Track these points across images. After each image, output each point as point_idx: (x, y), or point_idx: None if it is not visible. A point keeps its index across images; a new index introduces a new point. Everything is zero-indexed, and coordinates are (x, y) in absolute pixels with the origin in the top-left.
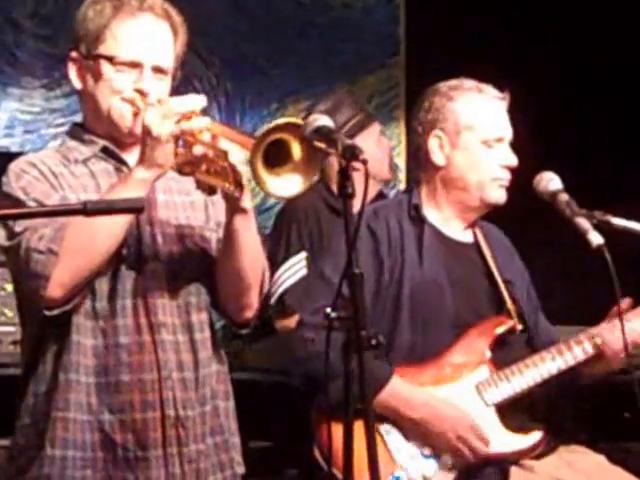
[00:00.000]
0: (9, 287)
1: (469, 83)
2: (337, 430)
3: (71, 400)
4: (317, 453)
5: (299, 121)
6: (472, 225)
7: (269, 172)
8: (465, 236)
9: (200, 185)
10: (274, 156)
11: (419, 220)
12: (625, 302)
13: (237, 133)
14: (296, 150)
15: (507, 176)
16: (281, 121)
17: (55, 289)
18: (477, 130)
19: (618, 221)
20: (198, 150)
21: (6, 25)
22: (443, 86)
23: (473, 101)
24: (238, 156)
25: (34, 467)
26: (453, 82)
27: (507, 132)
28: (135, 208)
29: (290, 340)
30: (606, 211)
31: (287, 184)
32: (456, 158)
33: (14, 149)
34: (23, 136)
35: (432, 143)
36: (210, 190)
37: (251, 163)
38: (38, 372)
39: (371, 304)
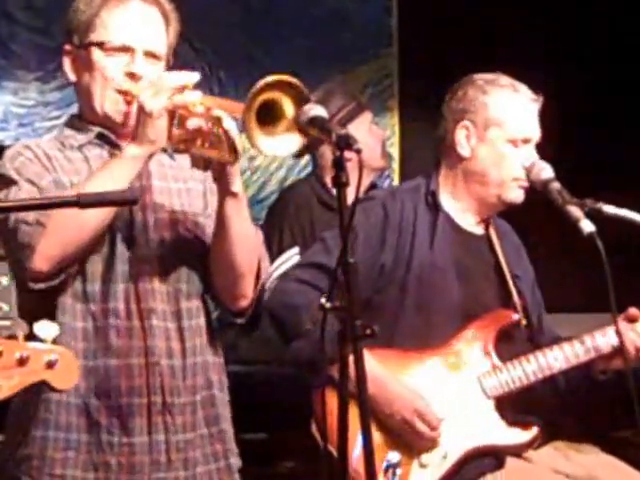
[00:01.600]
0: (4, 281)
1: (505, 80)
2: (333, 409)
3: None
4: (314, 428)
5: (289, 78)
6: (486, 220)
7: (264, 133)
8: (478, 228)
9: (195, 161)
10: (268, 117)
11: (435, 207)
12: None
13: (230, 102)
14: (288, 107)
15: None
16: (270, 79)
17: (41, 261)
18: (505, 127)
19: (609, 209)
20: (192, 123)
21: (0, 17)
22: (479, 78)
23: (506, 98)
24: (232, 122)
25: (20, 449)
26: (490, 76)
27: (535, 134)
28: (128, 200)
29: (273, 289)
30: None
31: (283, 143)
32: (481, 152)
33: (8, 142)
34: (17, 129)
35: (459, 133)
36: (205, 165)
37: (245, 125)
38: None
39: (365, 276)
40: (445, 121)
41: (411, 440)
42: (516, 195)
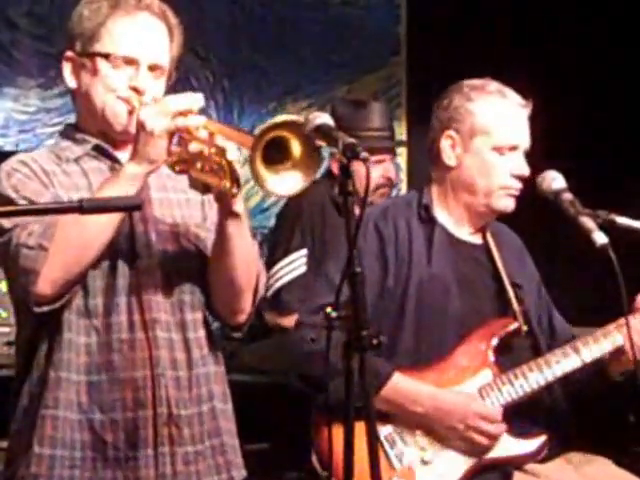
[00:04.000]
0: (2, 287)
1: (492, 86)
2: (337, 437)
3: (61, 398)
4: (315, 460)
5: (298, 118)
6: (481, 229)
7: (268, 170)
8: (475, 238)
9: (194, 184)
10: (273, 154)
11: (429, 220)
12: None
13: (235, 131)
14: (295, 147)
15: (517, 185)
16: (280, 119)
17: (45, 285)
18: (491, 135)
19: (623, 220)
20: (194, 147)
21: (2, 24)
22: (466, 85)
23: (492, 105)
24: (235, 154)
25: (22, 467)
26: (477, 82)
27: (523, 141)
28: (132, 206)
29: (289, 340)
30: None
31: (287, 182)
32: (466, 161)
33: (8, 149)
34: (18, 136)
35: (445, 142)
36: (204, 189)
37: (250, 161)
38: (32, 373)
39: (374, 305)
40: (432, 131)
41: (479, 442)
42: (505, 204)
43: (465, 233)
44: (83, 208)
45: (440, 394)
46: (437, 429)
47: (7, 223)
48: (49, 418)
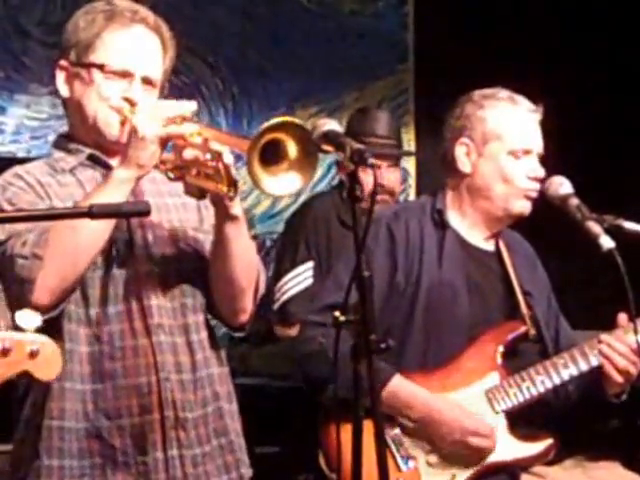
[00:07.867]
0: None
1: (503, 93)
2: (345, 439)
3: (66, 409)
4: (322, 461)
5: (294, 120)
6: (495, 235)
7: (266, 172)
8: (487, 244)
9: (189, 190)
10: (270, 156)
11: (441, 225)
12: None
13: (230, 137)
14: (292, 148)
15: (534, 187)
16: (276, 121)
17: (42, 294)
18: (504, 140)
19: (630, 225)
20: (189, 154)
21: (14, 32)
22: (476, 94)
23: (503, 111)
24: (231, 158)
25: (31, 477)
26: (487, 91)
27: (536, 145)
28: (141, 211)
29: (294, 341)
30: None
31: (284, 183)
32: (482, 167)
33: (20, 155)
34: (30, 142)
35: (459, 150)
36: (200, 194)
37: (248, 164)
38: (35, 383)
39: (382, 305)
40: (445, 140)
41: (469, 454)
42: (522, 206)
43: (478, 239)
44: (93, 213)
45: (435, 403)
46: (430, 436)
47: (1, 235)
48: (55, 429)
